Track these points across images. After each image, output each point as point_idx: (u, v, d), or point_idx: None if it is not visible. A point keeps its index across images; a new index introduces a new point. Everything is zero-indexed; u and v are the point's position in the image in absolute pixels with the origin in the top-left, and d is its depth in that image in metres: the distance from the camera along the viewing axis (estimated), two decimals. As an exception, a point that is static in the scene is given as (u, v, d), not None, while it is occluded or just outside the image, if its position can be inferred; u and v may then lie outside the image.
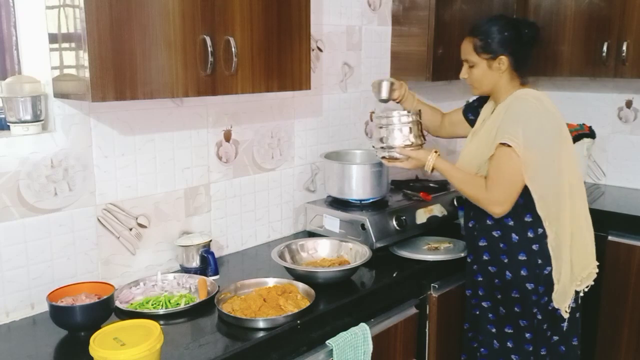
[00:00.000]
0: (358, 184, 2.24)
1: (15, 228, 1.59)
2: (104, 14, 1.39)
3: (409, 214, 2.22)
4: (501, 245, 1.84)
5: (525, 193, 1.77)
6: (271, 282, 1.76)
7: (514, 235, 1.82)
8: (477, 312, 1.96)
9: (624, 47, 2.61)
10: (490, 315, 1.91)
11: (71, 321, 1.50)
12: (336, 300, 1.72)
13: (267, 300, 1.64)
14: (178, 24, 1.53)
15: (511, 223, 1.82)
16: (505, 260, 1.84)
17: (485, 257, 1.89)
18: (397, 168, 1.98)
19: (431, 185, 2.54)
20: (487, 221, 1.86)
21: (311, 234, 2.27)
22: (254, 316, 1.56)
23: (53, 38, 1.57)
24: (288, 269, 1.83)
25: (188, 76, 1.57)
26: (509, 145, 1.71)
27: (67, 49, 1.52)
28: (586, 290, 1.90)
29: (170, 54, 1.52)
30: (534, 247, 1.81)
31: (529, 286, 1.81)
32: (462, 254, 2.09)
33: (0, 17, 1.62)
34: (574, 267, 1.84)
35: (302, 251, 2.00)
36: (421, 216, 2.26)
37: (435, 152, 1.88)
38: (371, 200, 2.27)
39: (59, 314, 1.51)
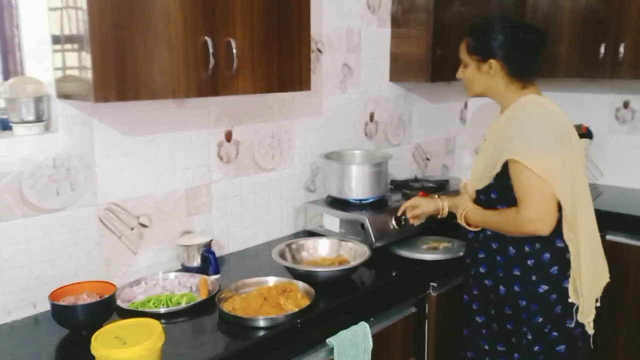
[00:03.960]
0: (358, 184, 2.25)
1: (18, 227, 1.60)
2: (106, 16, 1.40)
3: (408, 213, 2.23)
4: (498, 258, 1.77)
5: None
6: (271, 281, 1.77)
7: (511, 248, 1.74)
8: (469, 329, 1.92)
9: (621, 48, 2.62)
10: (483, 331, 1.87)
11: (73, 320, 1.51)
12: (336, 299, 1.73)
13: (268, 299, 1.65)
14: (179, 26, 1.54)
15: (509, 235, 1.74)
16: (501, 274, 1.77)
17: (482, 270, 1.83)
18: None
19: (430, 185, 2.55)
20: (487, 231, 1.80)
21: (311, 234, 2.28)
22: (255, 315, 1.57)
23: (56, 39, 1.58)
24: (288, 268, 1.85)
25: (189, 77, 1.58)
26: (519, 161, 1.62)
27: (69, 50, 1.53)
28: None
29: (172, 55, 1.53)
30: (529, 262, 1.72)
31: (521, 303, 1.74)
32: (461, 254, 2.10)
33: (3, 19, 1.62)
34: (595, 277, 1.75)
35: (302, 250, 2.01)
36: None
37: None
38: (371, 200, 2.28)
39: (60, 313, 1.52)
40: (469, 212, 1.80)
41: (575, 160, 1.71)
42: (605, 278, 1.82)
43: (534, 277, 1.72)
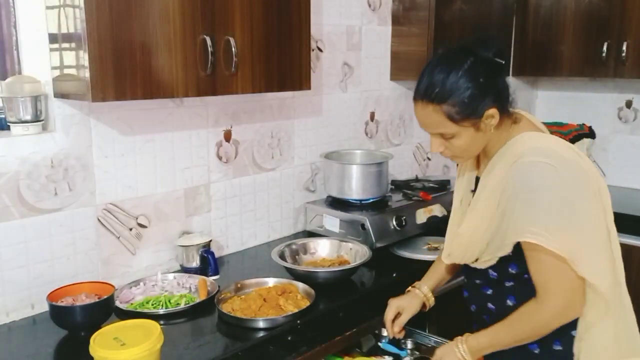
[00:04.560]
0: (358, 184, 2.24)
1: (16, 228, 1.59)
2: (104, 14, 1.40)
3: (409, 214, 2.22)
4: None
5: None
6: (271, 282, 1.76)
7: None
8: None
9: (624, 47, 2.61)
10: None
11: (71, 321, 1.51)
12: (336, 300, 1.72)
13: (267, 300, 1.64)
14: (178, 24, 1.53)
15: (510, 303, 1.40)
16: (536, 352, 1.39)
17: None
18: None
19: (431, 185, 2.54)
20: (506, 282, 1.41)
21: (311, 234, 2.27)
22: (254, 316, 1.57)
23: (53, 38, 1.57)
24: (288, 269, 1.84)
25: (188, 76, 1.57)
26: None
27: (67, 49, 1.52)
28: None
29: (170, 54, 1.52)
30: (572, 332, 1.35)
31: None
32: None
33: (1, 17, 1.61)
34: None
35: (302, 251, 2.00)
36: (421, 216, 2.26)
37: (461, 337, 1.42)
38: (371, 200, 2.27)
39: (59, 313, 1.51)
40: (471, 343, 1.39)
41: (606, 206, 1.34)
42: None
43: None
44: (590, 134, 3.01)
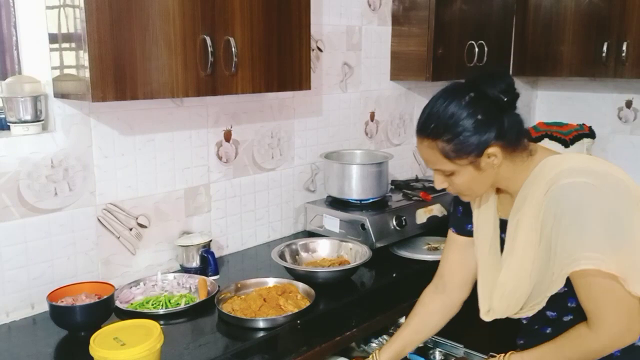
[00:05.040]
0: (358, 184, 2.24)
1: (16, 228, 1.59)
2: (104, 14, 1.40)
3: (409, 214, 2.22)
4: None
5: None
6: (271, 282, 1.76)
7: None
8: None
9: (624, 47, 2.61)
10: None
11: (71, 321, 1.51)
12: (336, 300, 1.72)
13: (267, 300, 1.64)
14: (178, 24, 1.53)
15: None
16: None
17: None
18: None
19: (431, 185, 2.53)
20: (564, 317, 1.32)
21: (311, 234, 2.27)
22: (254, 316, 1.57)
23: (53, 38, 1.57)
24: (288, 269, 1.84)
25: (188, 76, 1.57)
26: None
27: (67, 49, 1.52)
28: None
29: (171, 54, 1.52)
30: None
31: None
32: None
33: (1, 17, 1.62)
34: None
35: (302, 251, 2.01)
36: (421, 216, 2.26)
37: (503, 354, 1.34)
38: (371, 200, 2.27)
39: (59, 313, 1.51)
40: (513, 356, 1.32)
41: None
42: None
43: None
44: (590, 134, 3.01)
